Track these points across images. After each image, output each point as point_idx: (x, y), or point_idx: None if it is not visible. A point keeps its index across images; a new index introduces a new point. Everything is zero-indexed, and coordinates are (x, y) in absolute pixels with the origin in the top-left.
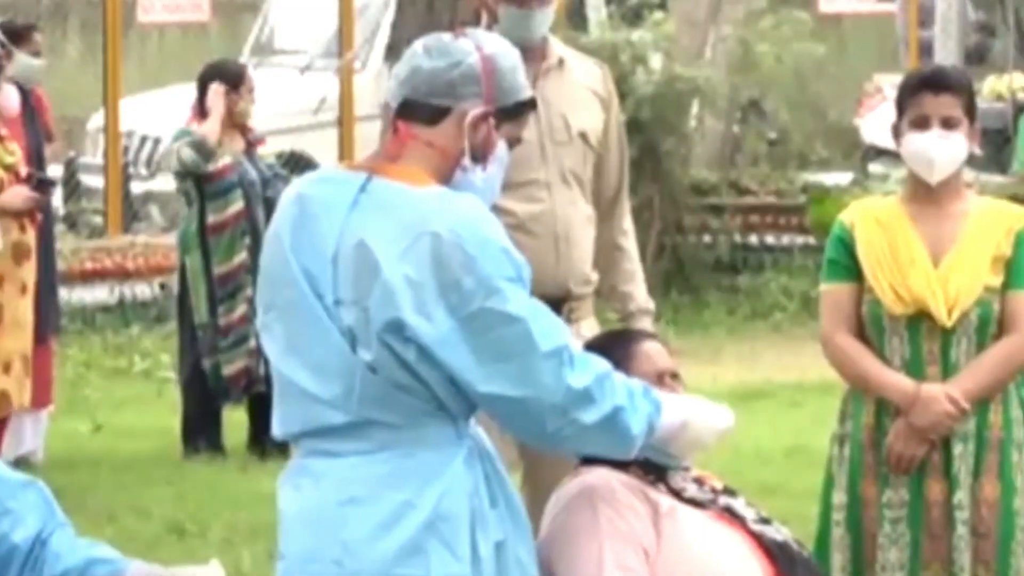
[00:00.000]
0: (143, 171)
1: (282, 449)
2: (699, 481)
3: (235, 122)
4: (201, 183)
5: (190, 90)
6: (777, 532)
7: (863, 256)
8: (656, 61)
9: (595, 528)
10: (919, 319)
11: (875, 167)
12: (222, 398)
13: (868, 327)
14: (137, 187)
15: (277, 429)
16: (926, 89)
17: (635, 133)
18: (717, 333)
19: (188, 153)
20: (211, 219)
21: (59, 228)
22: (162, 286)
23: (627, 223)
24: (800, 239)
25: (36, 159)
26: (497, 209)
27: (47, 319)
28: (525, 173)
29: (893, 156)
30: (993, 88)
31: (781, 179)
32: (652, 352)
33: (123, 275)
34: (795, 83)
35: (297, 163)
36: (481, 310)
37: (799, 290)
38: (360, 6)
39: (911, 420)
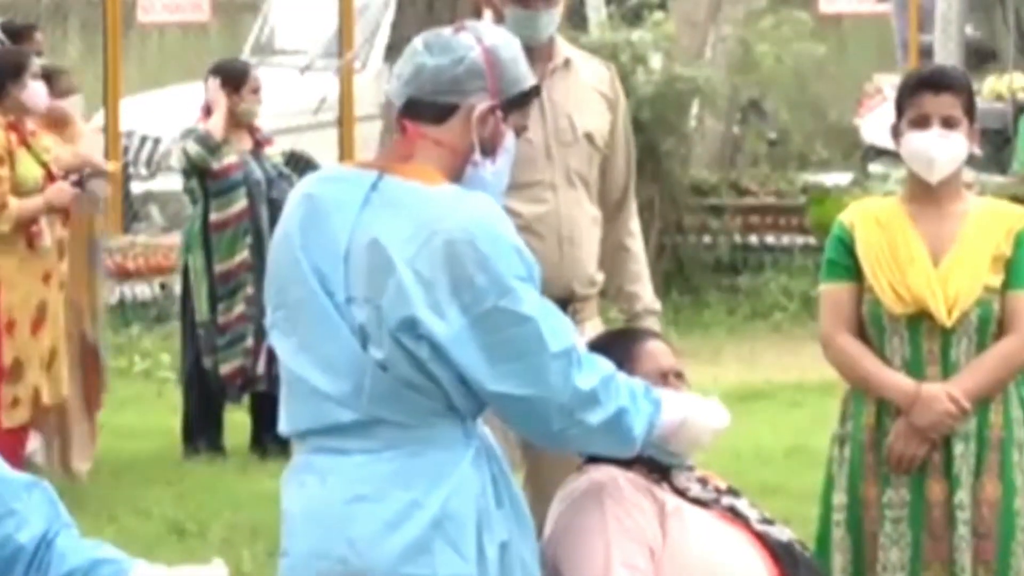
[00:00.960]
0: (143, 171)
1: (283, 449)
2: (703, 481)
3: (238, 122)
4: (206, 181)
5: (190, 90)
6: (781, 533)
7: (863, 256)
8: (656, 61)
9: (602, 526)
10: (919, 319)
11: (875, 167)
12: (219, 397)
13: (868, 327)
14: (137, 187)
15: (284, 426)
16: (926, 89)
17: (635, 133)
18: (717, 333)
19: (194, 148)
20: (214, 217)
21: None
22: (162, 286)
23: (634, 224)
24: (800, 239)
25: None
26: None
27: None
28: (530, 174)
29: (893, 156)
30: (993, 88)
31: (781, 179)
32: (656, 351)
33: (123, 275)
34: (795, 83)
35: (297, 163)
36: (494, 309)
37: (799, 290)
38: (360, 6)
39: (912, 420)
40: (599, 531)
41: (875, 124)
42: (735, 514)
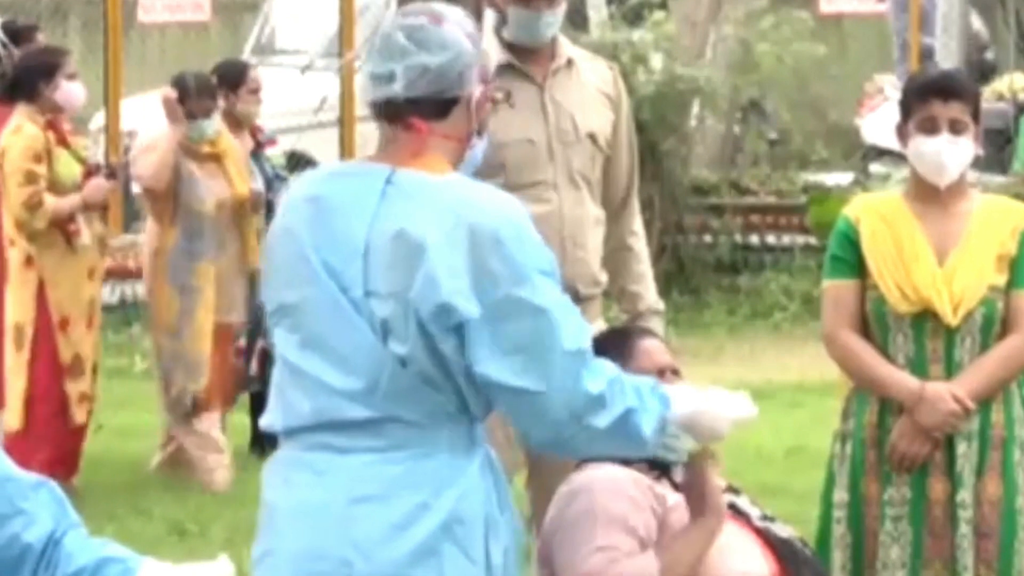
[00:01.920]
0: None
1: None
2: None
3: (238, 123)
4: None
5: None
6: (782, 530)
7: (868, 252)
8: (657, 61)
9: (590, 515)
10: (923, 317)
11: (875, 167)
12: None
13: (872, 324)
14: (137, 187)
15: (275, 421)
16: (935, 95)
17: (635, 133)
18: (717, 333)
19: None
20: None
21: None
22: None
23: (637, 224)
24: (800, 239)
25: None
26: None
27: None
28: (532, 174)
29: (894, 156)
30: (994, 88)
31: (782, 179)
32: (652, 349)
33: (123, 275)
34: (795, 83)
35: (298, 163)
36: (507, 297)
37: (799, 290)
38: (361, 6)
39: (916, 419)
40: (586, 520)
41: (876, 124)
42: (735, 511)
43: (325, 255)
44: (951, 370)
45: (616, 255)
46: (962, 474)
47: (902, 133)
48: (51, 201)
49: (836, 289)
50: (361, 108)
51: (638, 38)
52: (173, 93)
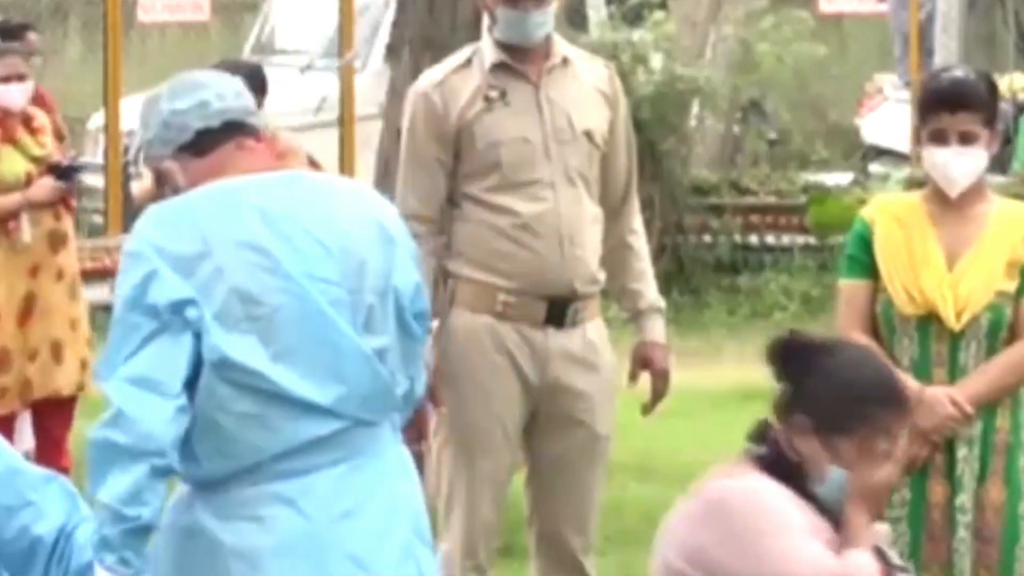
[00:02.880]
0: (143, 171)
1: None
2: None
3: None
4: None
5: None
6: None
7: (879, 254)
8: (656, 61)
9: (784, 527)
10: (929, 320)
11: (875, 167)
12: None
13: (880, 326)
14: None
15: (225, 464)
16: (943, 106)
17: (635, 133)
18: (717, 333)
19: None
20: None
21: None
22: None
23: (636, 222)
24: (800, 239)
25: None
26: (501, 209)
27: None
28: (529, 173)
29: (894, 156)
30: None
31: (781, 179)
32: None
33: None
34: (796, 83)
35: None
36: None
37: (799, 290)
38: (360, 6)
39: (915, 421)
40: (772, 532)
41: (876, 124)
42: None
43: (293, 263)
44: (955, 374)
45: (616, 253)
46: (962, 478)
47: (918, 136)
48: None
49: (849, 289)
50: (361, 108)
51: (638, 38)
52: None
